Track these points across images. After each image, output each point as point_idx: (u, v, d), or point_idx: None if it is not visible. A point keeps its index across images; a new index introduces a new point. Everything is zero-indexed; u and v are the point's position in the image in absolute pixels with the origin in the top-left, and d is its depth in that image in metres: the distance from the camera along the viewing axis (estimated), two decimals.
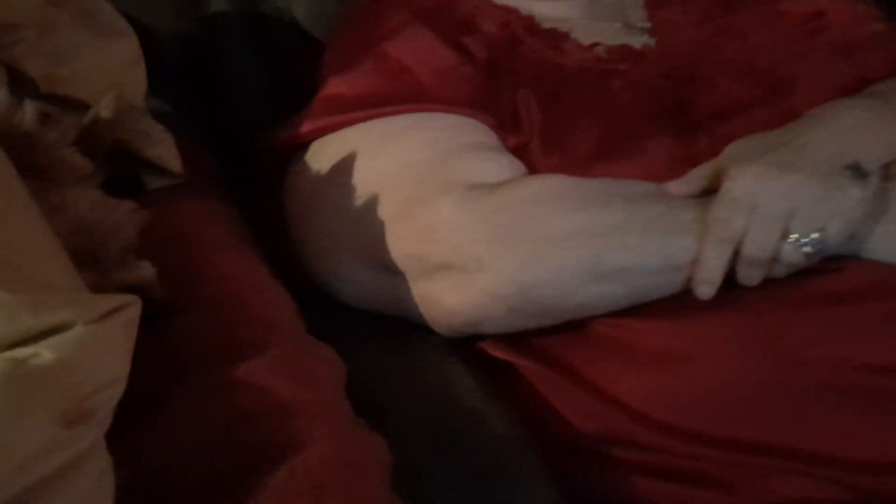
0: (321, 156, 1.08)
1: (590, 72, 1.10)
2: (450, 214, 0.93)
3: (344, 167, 1.04)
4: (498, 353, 0.97)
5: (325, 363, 0.80)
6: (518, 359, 0.96)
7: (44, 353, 0.55)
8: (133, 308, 0.65)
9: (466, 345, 0.99)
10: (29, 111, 0.69)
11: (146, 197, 0.99)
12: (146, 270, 0.81)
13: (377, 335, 1.00)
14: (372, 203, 0.99)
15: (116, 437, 0.61)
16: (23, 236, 0.60)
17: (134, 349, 0.68)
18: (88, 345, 0.58)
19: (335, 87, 1.12)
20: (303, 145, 1.11)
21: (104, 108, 0.79)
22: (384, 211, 0.97)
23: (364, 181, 1.01)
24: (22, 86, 0.82)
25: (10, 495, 0.50)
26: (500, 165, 1.00)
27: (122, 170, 1.03)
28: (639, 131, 1.03)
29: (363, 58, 1.11)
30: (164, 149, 1.04)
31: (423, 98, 1.05)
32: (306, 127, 1.11)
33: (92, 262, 0.74)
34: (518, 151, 1.04)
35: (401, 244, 0.96)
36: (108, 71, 0.96)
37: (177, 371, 0.70)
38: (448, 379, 0.94)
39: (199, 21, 1.37)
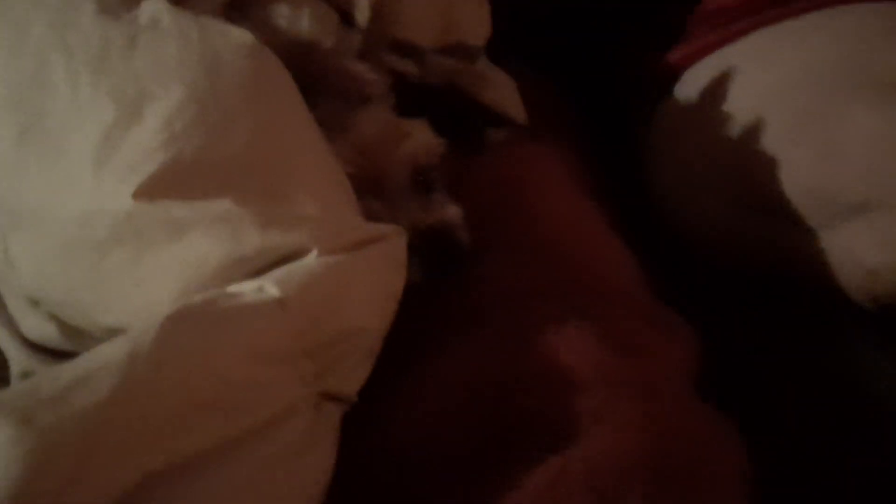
0: (694, 82, 0.85)
1: None
2: (869, 122, 0.63)
3: (719, 89, 0.80)
4: None
5: (665, 333, 0.58)
6: None
7: (268, 287, 0.44)
8: (395, 241, 0.51)
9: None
10: (306, 18, 0.60)
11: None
12: (449, 210, 0.68)
13: (755, 306, 0.72)
14: (754, 126, 0.73)
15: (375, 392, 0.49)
16: (279, 145, 0.51)
17: (419, 294, 0.55)
18: (325, 281, 0.45)
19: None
20: (676, 75, 0.89)
21: (359, 10, 0.67)
22: (771, 132, 0.71)
23: (745, 100, 0.76)
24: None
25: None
26: None
27: (460, 120, 0.93)
28: None
29: None
30: (503, 93, 0.91)
31: None
32: (679, 52, 0.89)
33: (375, 190, 0.63)
34: None
35: (794, 175, 0.68)
36: (435, 4, 0.85)
37: (460, 320, 0.55)
38: (865, 371, 0.64)
39: None
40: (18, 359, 0.54)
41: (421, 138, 0.67)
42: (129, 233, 0.46)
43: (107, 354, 0.40)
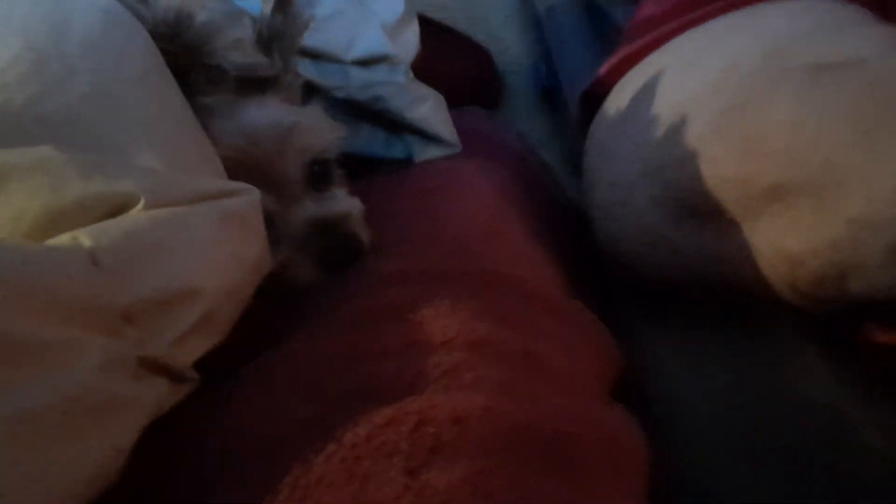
0: (622, 93, 0.82)
1: None
2: (788, 109, 0.59)
3: (643, 96, 0.77)
4: (886, 336, 0.58)
5: (569, 324, 0.53)
6: None
7: (81, 237, 0.39)
8: (246, 200, 0.47)
9: (827, 326, 0.62)
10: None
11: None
12: (346, 203, 0.63)
13: (682, 314, 0.67)
14: (676, 126, 0.69)
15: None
16: (121, 101, 0.47)
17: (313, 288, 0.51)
18: (148, 234, 0.41)
19: (643, 10, 0.87)
20: (607, 89, 0.87)
21: None
22: (692, 130, 0.68)
23: (668, 104, 0.73)
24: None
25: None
26: (870, 39, 0.63)
27: (386, 137, 0.90)
28: None
29: None
30: (430, 109, 0.88)
31: None
32: (606, 66, 0.87)
33: (264, 181, 0.58)
34: None
35: (715, 168, 0.65)
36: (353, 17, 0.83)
37: (334, 301, 0.50)
38: (792, 371, 0.58)
39: None
40: None
41: (316, 127, 0.63)
42: None
43: None
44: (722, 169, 0.64)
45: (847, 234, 0.55)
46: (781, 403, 0.59)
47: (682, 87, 0.73)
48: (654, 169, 0.70)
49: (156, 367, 0.41)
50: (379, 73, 0.85)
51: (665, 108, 0.73)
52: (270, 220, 0.59)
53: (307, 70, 0.83)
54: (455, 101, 1.25)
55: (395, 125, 0.87)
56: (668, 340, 0.67)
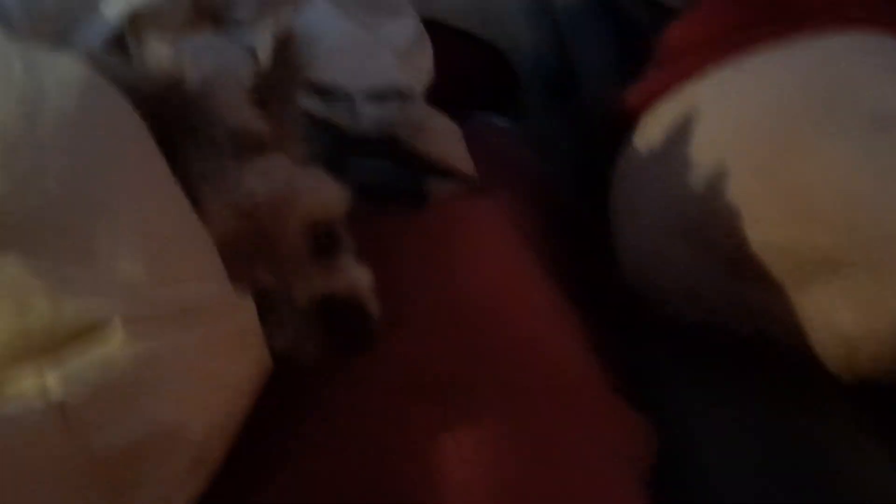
0: (654, 127, 0.76)
1: None
2: (844, 169, 0.53)
3: (680, 134, 0.71)
4: None
5: (597, 422, 0.48)
6: None
7: (50, 384, 0.35)
8: (239, 311, 0.42)
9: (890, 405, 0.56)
10: (163, 54, 0.51)
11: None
12: (355, 274, 0.58)
13: (718, 378, 0.62)
14: (716, 173, 0.64)
15: None
16: (97, 194, 0.41)
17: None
18: (125, 369, 0.36)
19: (673, 35, 0.81)
20: (635, 118, 0.80)
21: (262, 46, 0.58)
22: (735, 183, 0.62)
23: (706, 144, 0.67)
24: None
25: None
26: None
27: (397, 173, 0.84)
28: None
29: None
30: (445, 143, 0.82)
31: (800, 15, 0.67)
32: (636, 93, 0.81)
33: (266, 256, 0.53)
34: None
35: (760, 228, 0.59)
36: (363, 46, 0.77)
37: (337, 415, 0.45)
38: (845, 455, 0.53)
39: None
40: None
41: (321, 192, 0.57)
42: None
43: None
44: (768, 232, 0.58)
45: None
46: (832, 493, 0.53)
47: (722, 129, 0.67)
48: (693, 225, 0.64)
49: None
50: (391, 107, 0.79)
51: (703, 152, 0.67)
52: (272, 299, 0.54)
53: (313, 105, 0.77)
54: (469, 104, 1.20)
55: (407, 158, 0.82)
56: (701, 403, 0.61)
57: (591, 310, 0.64)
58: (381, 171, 0.84)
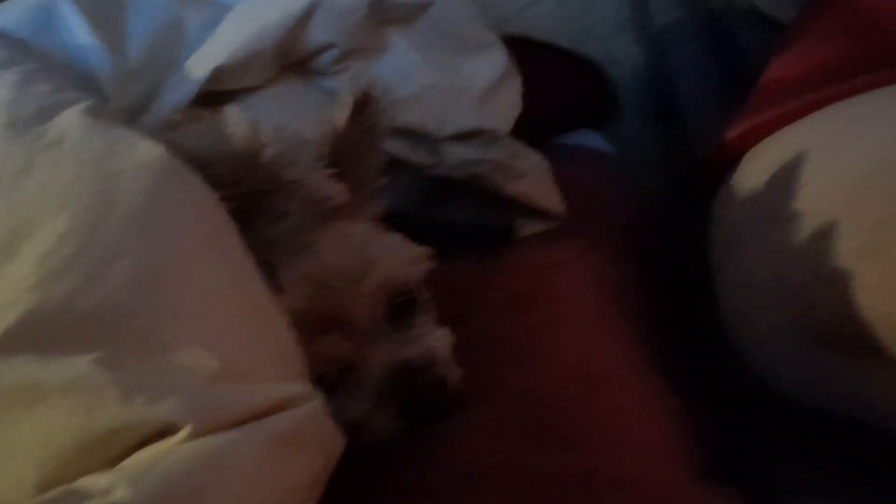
0: (755, 168, 0.72)
1: None
2: None
3: (778, 183, 0.66)
4: None
5: None
6: None
7: (119, 490, 0.35)
8: (306, 412, 0.41)
9: None
10: (241, 124, 0.51)
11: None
12: (433, 342, 0.56)
13: (833, 467, 0.57)
14: (822, 236, 0.59)
15: None
16: (169, 284, 0.42)
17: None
18: (193, 474, 0.36)
19: (778, 68, 0.76)
20: (735, 156, 0.76)
21: (340, 108, 0.56)
22: (841, 244, 0.57)
23: (808, 200, 0.62)
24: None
25: None
26: None
27: (485, 215, 0.82)
28: None
29: (818, 17, 0.73)
30: (533, 181, 0.80)
31: None
32: (737, 130, 0.76)
33: (340, 325, 0.53)
34: None
35: (871, 299, 0.54)
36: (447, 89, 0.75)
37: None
38: None
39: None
40: None
41: (398, 257, 0.56)
42: None
43: None
44: (874, 300, 0.53)
45: None
46: None
47: (827, 181, 0.62)
48: (793, 285, 0.60)
49: None
50: (475, 147, 0.77)
51: (807, 206, 0.62)
52: (347, 369, 0.54)
53: (396, 146, 0.76)
54: (564, 122, 1.17)
55: (493, 197, 0.80)
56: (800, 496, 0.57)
57: (687, 378, 0.61)
58: (467, 211, 0.83)
